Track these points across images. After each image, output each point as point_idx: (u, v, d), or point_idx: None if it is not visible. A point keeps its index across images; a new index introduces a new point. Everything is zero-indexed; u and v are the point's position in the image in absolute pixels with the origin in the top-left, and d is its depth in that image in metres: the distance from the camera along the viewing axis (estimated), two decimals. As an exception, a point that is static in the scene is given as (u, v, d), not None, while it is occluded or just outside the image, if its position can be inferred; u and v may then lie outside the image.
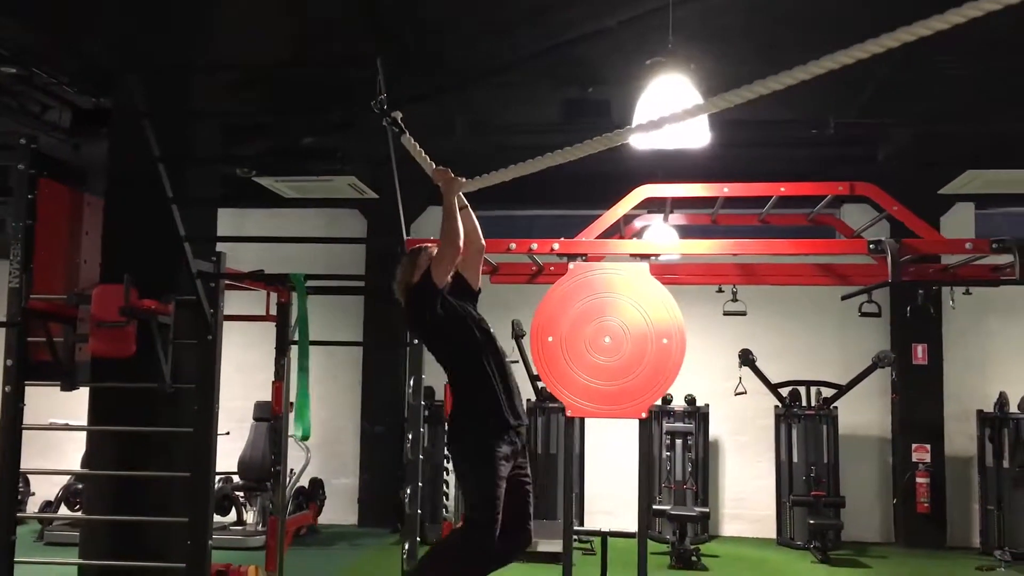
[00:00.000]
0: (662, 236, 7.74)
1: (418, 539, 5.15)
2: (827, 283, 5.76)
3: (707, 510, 9.69)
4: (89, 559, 5.56)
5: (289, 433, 6.04)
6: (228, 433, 10.29)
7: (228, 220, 10.59)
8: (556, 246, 5.22)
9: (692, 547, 9.02)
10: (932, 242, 4.90)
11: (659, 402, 10.39)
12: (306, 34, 6.63)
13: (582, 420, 10.69)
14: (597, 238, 5.29)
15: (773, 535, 10.37)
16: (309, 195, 9.21)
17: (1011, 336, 10.52)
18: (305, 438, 5.39)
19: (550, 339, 5.11)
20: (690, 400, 10.43)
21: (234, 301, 8.89)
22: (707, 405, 10.49)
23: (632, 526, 10.45)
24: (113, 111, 6.20)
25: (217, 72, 6.27)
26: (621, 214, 5.51)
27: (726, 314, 7.31)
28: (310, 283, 6.21)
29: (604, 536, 6.19)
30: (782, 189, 5.25)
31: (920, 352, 10.33)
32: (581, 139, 7.33)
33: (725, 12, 6.21)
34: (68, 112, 7.39)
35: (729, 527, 10.85)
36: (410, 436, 5.18)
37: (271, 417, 10.11)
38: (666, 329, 5.14)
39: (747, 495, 10.82)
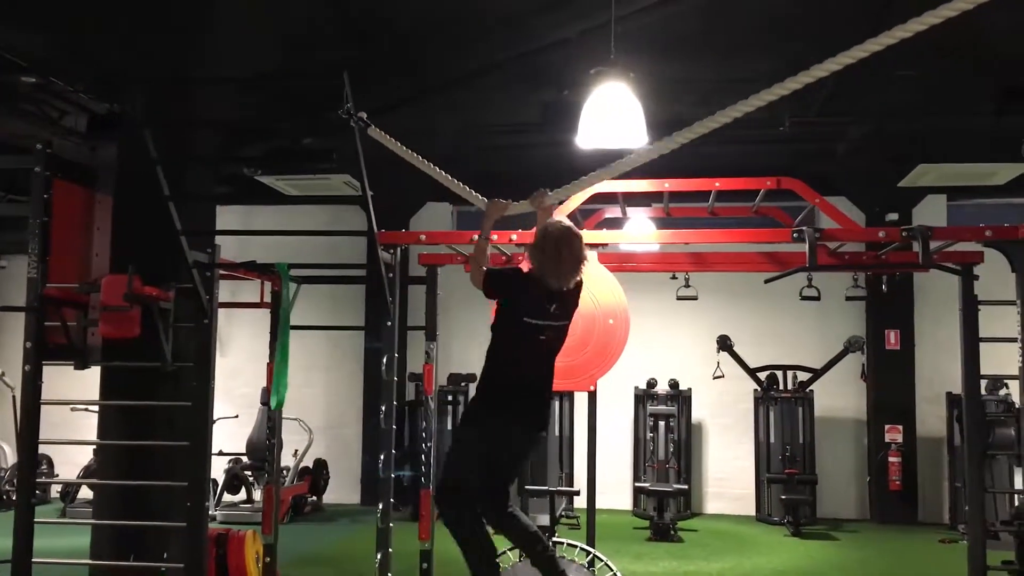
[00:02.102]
0: (640, 228, 8.32)
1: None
2: (770, 269, 6.29)
3: (685, 487, 10.27)
4: (102, 519, 6.21)
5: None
6: (237, 416, 11.01)
7: (238, 217, 11.30)
8: (514, 237, 5.79)
9: (670, 522, 9.58)
10: (849, 231, 5.42)
11: (643, 386, 10.99)
12: (293, 43, 7.21)
13: (572, 405, 11.29)
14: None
15: (753, 512, 10.92)
16: (308, 193, 9.80)
17: (989, 326, 11.00)
18: (278, 407, 5.98)
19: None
20: (673, 384, 10.98)
21: (243, 290, 9.57)
22: (689, 389, 11.04)
23: (620, 504, 11.13)
24: (118, 116, 6.82)
25: (214, 80, 6.87)
26: (574, 207, 6.06)
27: (679, 299, 7.85)
28: (309, 273, 6.87)
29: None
30: (717, 184, 5.79)
31: (893, 337, 10.84)
32: (559, 140, 7.92)
33: (670, 25, 6.75)
34: (84, 117, 8.05)
35: (712, 505, 11.40)
36: (383, 408, 5.77)
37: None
38: (612, 310, 5.69)
39: (728, 475, 11.36)
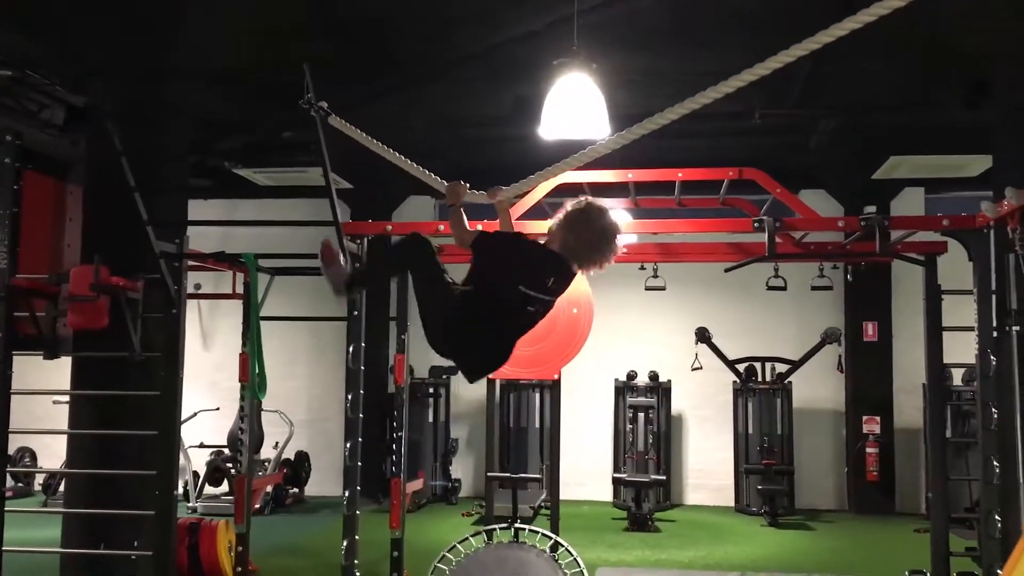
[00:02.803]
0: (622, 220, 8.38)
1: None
2: (736, 259, 6.35)
3: (663, 477, 10.34)
4: (72, 508, 6.26)
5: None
6: (218, 409, 11.06)
7: (222, 211, 11.32)
8: (479, 227, 5.84)
9: (648, 512, 9.65)
10: (808, 220, 5.48)
11: (623, 378, 11.06)
12: (268, 37, 7.26)
13: (557, 398, 11.34)
14: (518, 220, 5.90)
15: (732, 503, 10.99)
16: (285, 184, 9.85)
17: (955, 314, 11.08)
18: (257, 397, 6.03)
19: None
20: (653, 376, 11.05)
21: (226, 282, 9.62)
22: (669, 381, 11.11)
23: (601, 495, 11.20)
24: (91, 109, 6.87)
25: (187, 73, 6.92)
26: (539, 198, 6.11)
27: (647, 289, 7.91)
28: (284, 264, 6.92)
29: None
30: (680, 175, 5.84)
31: (871, 329, 10.91)
32: (532, 133, 7.92)
33: (639, 18, 6.80)
34: (61, 110, 8.10)
35: (692, 496, 11.47)
36: (349, 397, 5.82)
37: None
38: (576, 299, 5.75)
39: (709, 466, 11.43)
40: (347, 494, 5.70)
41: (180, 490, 10.34)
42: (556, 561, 5.20)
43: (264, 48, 7.39)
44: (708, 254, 6.48)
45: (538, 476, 8.02)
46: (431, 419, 11.35)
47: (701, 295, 11.34)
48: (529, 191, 5.20)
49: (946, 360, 10.35)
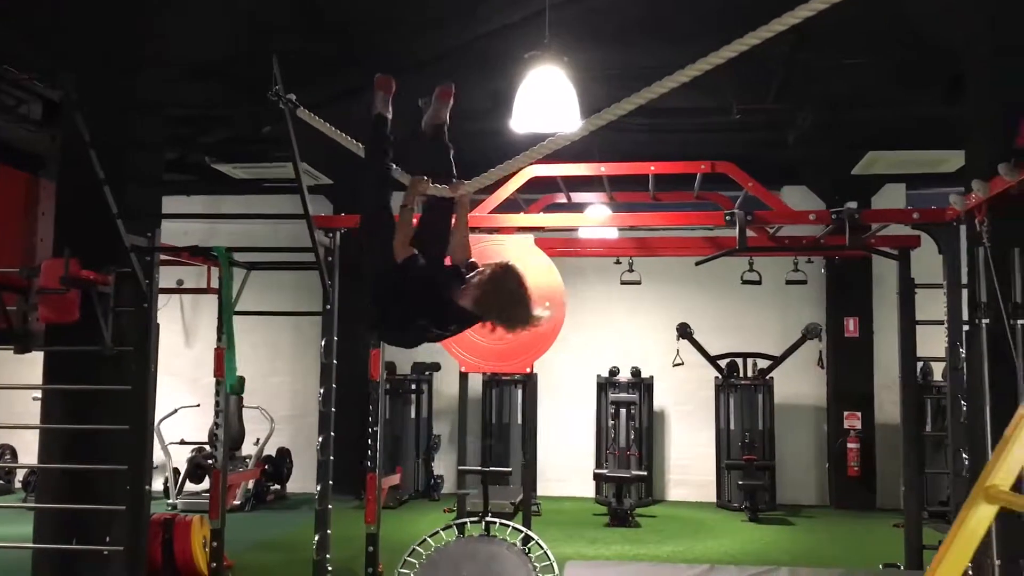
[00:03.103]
0: (599, 214, 8.38)
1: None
2: (711, 253, 6.35)
3: (643, 473, 10.34)
4: (44, 503, 6.23)
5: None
6: (199, 405, 11.02)
7: (204, 204, 11.28)
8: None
9: (629, 508, 9.65)
10: (780, 214, 5.48)
11: (606, 374, 11.06)
12: (247, 31, 7.23)
13: (533, 392, 11.34)
14: (490, 213, 5.91)
15: (714, 499, 11.00)
16: (263, 179, 9.82)
17: (934, 308, 11.14)
18: (233, 392, 6.00)
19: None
20: (635, 372, 11.05)
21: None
22: (652, 377, 11.11)
23: (584, 491, 11.20)
24: (63, 103, 6.82)
25: (161, 66, 6.89)
26: (511, 192, 6.11)
27: (623, 283, 7.92)
28: (262, 258, 6.91)
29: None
30: (652, 168, 5.85)
31: (852, 325, 10.93)
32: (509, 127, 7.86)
33: (617, 10, 6.80)
34: (39, 105, 8.05)
35: (675, 491, 11.48)
36: (322, 391, 5.80)
37: (239, 390, 10.86)
38: (548, 295, 5.73)
39: (691, 462, 11.44)
40: (319, 488, 5.67)
41: (161, 486, 10.36)
42: (527, 555, 5.20)
43: (239, 41, 7.36)
44: (683, 248, 6.50)
45: (509, 470, 7.99)
46: (413, 415, 11.34)
47: (684, 291, 11.35)
48: (491, 184, 5.19)
49: (928, 354, 10.56)
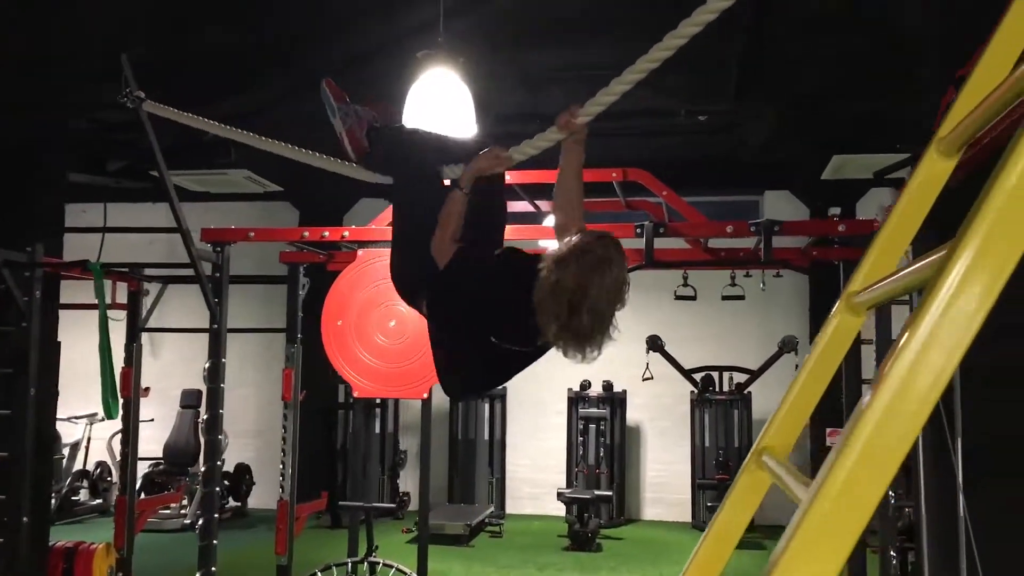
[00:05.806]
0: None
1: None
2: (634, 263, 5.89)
3: (608, 493, 9.85)
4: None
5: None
6: (152, 420, 10.68)
7: (157, 214, 10.93)
8: (346, 234, 5.44)
9: (591, 530, 9.17)
10: (695, 225, 5.01)
11: (576, 388, 10.58)
12: (167, 29, 6.88)
13: (504, 409, 10.93)
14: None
15: (690, 518, 10.48)
16: (209, 188, 9.47)
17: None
18: (111, 417, 5.65)
19: (339, 323, 5.34)
20: (607, 386, 10.57)
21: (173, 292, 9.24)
22: (624, 391, 10.62)
23: (555, 510, 10.74)
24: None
25: (78, 63, 6.57)
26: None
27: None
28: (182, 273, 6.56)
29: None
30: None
31: (834, 337, 10.36)
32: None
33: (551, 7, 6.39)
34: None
35: (650, 511, 10.98)
36: (205, 416, 5.42)
37: (195, 404, 10.54)
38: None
39: (666, 479, 10.94)
40: (201, 524, 5.26)
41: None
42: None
43: (163, 40, 7.03)
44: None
45: (392, 505, 7.57)
46: (378, 430, 10.93)
47: (662, 303, 10.83)
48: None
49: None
